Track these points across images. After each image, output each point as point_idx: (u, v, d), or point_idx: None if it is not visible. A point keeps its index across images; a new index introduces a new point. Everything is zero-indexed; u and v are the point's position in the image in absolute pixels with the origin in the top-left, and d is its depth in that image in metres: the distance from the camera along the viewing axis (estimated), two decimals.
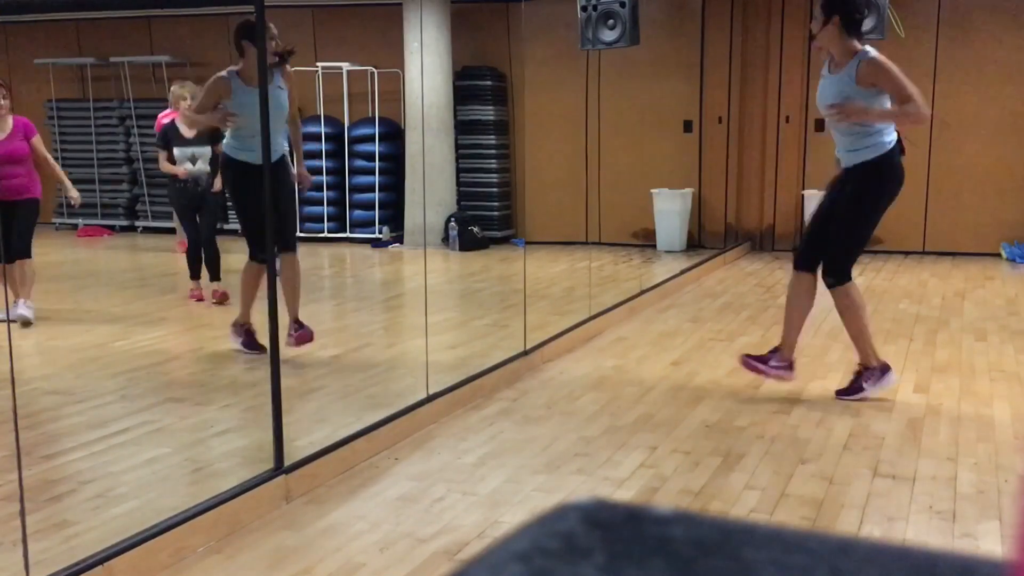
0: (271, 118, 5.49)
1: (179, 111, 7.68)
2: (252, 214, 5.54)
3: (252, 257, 5.78)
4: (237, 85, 5.59)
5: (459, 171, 11.51)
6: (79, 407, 4.83)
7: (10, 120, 6.80)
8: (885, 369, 4.89)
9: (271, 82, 5.66)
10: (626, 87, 10.84)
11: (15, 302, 6.75)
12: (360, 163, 11.60)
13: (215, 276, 7.62)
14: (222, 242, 7.78)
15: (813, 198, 10.24)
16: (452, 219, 10.99)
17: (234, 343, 5.91)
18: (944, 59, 10.22)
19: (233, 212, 6.89)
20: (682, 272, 8.79)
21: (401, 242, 11.25)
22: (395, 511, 3.55)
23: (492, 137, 11.49)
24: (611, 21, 7.28)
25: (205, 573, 3.09)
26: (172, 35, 12.82)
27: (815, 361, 5.75)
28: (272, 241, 4.06)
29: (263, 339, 5.41)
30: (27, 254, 6.82)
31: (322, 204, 11.56)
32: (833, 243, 4.80)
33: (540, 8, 10.75)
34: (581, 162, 11.20)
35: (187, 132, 7.61)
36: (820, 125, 10.55)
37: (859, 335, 4.86)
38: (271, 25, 5.44)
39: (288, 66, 5.79)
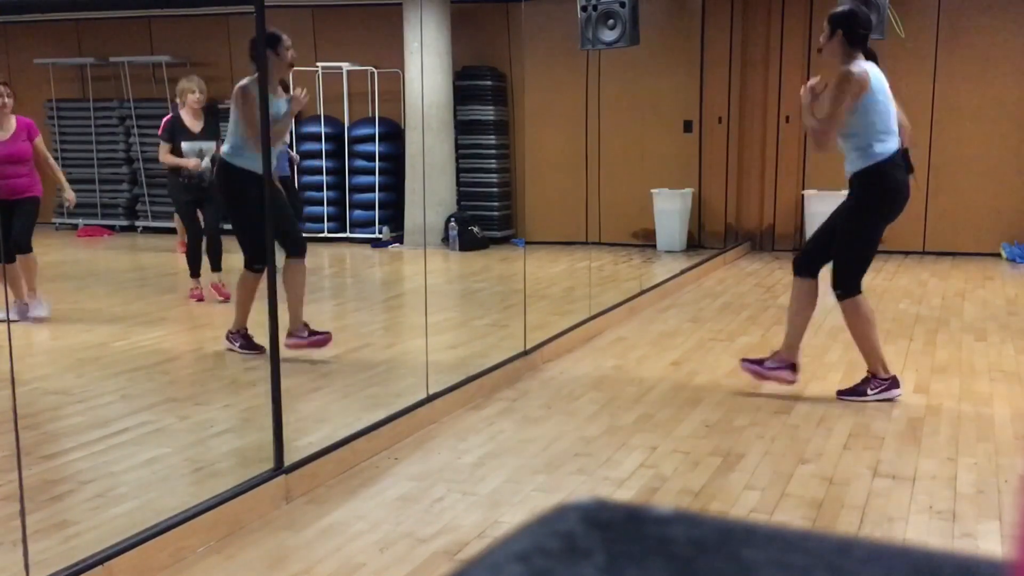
0: (278, 127, 5.59)
1: (187, 105, 7.70)
2: (252, 222, 5.42)
3: (249, 267, 5.72)
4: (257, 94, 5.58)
5: (459, 171, 11.51)
6: (79, 407, 4.83)
7: (13, 120, 6.81)
8: (893, 384, 4.89)
9: (280, 95, 5.70)
10: (626, 87, 10.84)
11: (17, 302, 6.78)
12: (360, 163, 11.60)
13: (216, 267, 7.65)
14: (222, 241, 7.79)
15: (813, 198, 10.26)
16: (452, 219, 10.99)
17: (234, 347, 5.90)
18: (944, 59, 10.22)
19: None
20: (682, 272, 8.79)
21: (401, 242, 11.25)
22: (395, 511, 3.55)
23: (492, 137, 11.49)
24: (611, 21, 7.28)
25: (205, 573, 3.09)
26: (172, 35, 12.82)
27: (815, 361, 5.75)
28: (272, 243, 4.05)
29: (261, 340, 5.43)
30: (28, 248, 6.87)
31: (322, 204, 11.56)
32: (836, 255, 4.84)
33: (540, 8, 10.75)
34: (581, 162, 11.20)
35: (194, 127, 7.64)
36: None
37: (869, 349, 4.87)
38: (285, 36, 5.57)
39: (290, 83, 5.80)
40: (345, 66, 11.49)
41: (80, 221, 12.64)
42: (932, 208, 10.30)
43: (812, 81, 4.82)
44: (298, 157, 7.18)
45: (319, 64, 11.47)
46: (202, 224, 7.78)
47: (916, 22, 9.88)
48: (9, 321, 4.93)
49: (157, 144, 12.45)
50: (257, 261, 5.58)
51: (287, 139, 8.22)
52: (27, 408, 4.71)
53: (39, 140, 6.94)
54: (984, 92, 10.12)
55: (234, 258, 6.59)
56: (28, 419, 4.56)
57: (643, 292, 7.76)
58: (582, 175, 11.12)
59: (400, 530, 3.37)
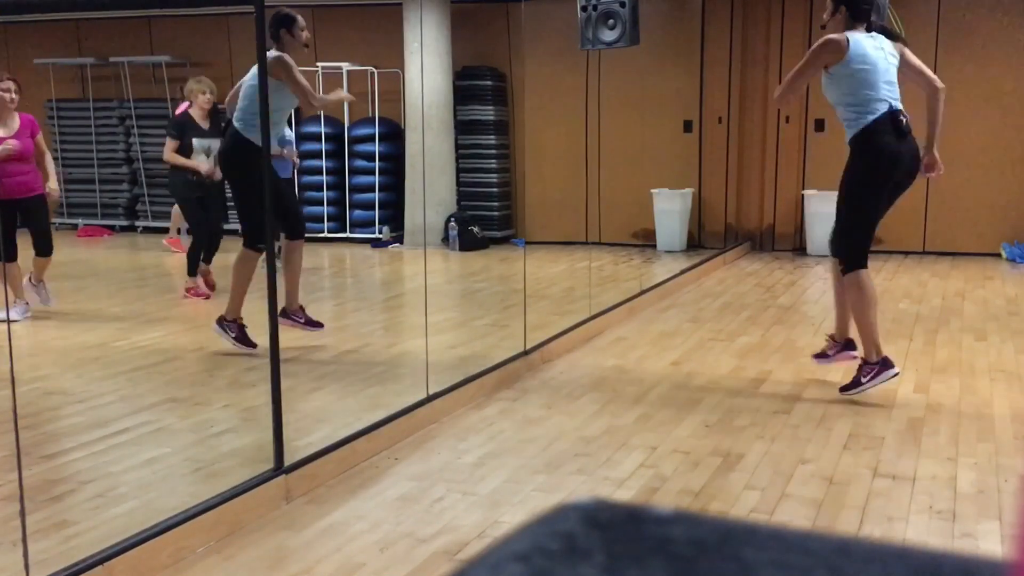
0: (281, 110, 5.66)
1: (197, 104, 7.76)
2: (258, 196, 5.47)
3: (251, 246, 5.69)
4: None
5: (459, 171, 11.51)
6: (79, 407, 4.83)
7: (17, 117, 6.83)
8: (886, 365, 4.87)
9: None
10: (626, 87, 10.83)
11: (17, 301, 6.79)
12: (360, 163, 11.60)
13: (209, 260, 7.74)
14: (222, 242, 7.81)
15: (813, 198, 10.25)
16: (452, 219, 10.99)
17: (224, 339, 5.84)
18: (944, 59, 10.22)
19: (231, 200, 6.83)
20: (682, 272, 8.79)
21: (401, 242, 11.25)
22: (395, 511, 3.55)
23: (492, 137, 11.49)
24: (611, 21, 7.28)
25: (205, 573, 3.09)
26: (172, 35, 12.82)
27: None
28: (271, 228, 4.05)
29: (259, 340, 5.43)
30: (51, 251, 7.02)
31: (322, 204, 11.56)
32: (836, 224, 4.88)
33: (540, 8, 10.75)
34: (581, 162, 11.20)
35: (204, 124, 7.72)
36: (820, 125, 10.56)
37: (864, 329, 4.85)
38: (299, 17, 5.77)
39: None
40: (345, 66, 11.49)
41: (80, 221, 12.64)
42: (932, 208, 10.31)
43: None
44: (298, 160, 7.34)
45: (319, 64, 11.47)
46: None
47: (916, 22, 9.87)
48: (9, 321, 4.94)
49: (157, 144, 12.56)
50: (259, 240, 5.56)
51: (290, 135, 8.25)
52: (27, 408, 4.71)
53: (40, 137, 6.97)
54: (984, 92, 10.12)
55: (228, 257, 6.55)
56: (28, 419, 4.56)
57: (643, 292, 7.76)
58: (582, 175, 11.12)
59: (400, 530, 3.37)
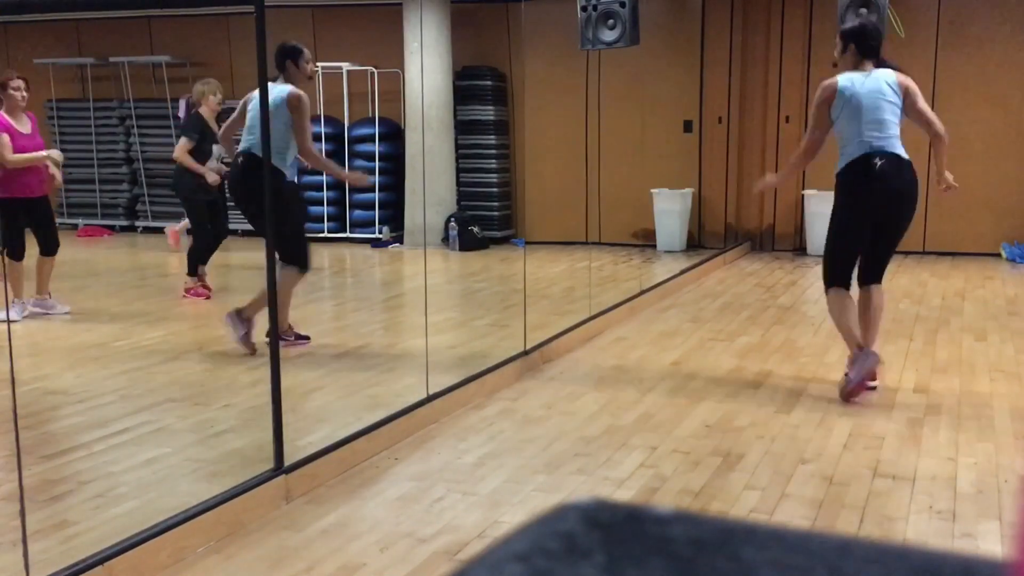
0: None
1: (208, 107, 7.71)
2: (291, 219, 5.72)
3: (294, 264, 5.83)
4: None
5: (459, 171, 11.51)
6: (79, 407, 4.83)
7: (26, 116, 6.86)
8: (861, 356, 4.92)
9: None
10: (626, 87, 10.84)
11: (22, 300, 6.82)
12: (360, 163, 11.59)
13: (206, 260, 7.78)
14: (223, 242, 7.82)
15: (813, 198, 10.25)
16: (452, 219, 10.99)
17: (233, 334, 5.82)
18: (944, 59, 10.23)
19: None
20: (682, 272, 8.79)
21: (401, 242, 11.25)
22: (395, 511, 3.55)
23: (492, 137, 11.49)
24: (611, 21, 7.28)
25: (205, 573, 3.09)
26: (172, 35, 12.82)
27: (815, 360, 5.76)
28: (271, 243, 4.06)
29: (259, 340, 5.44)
30: (57, 249, 7.12)
31: (322, 204, 11.56)
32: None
33: (540, 8, 10.75)
34: (581, 162, 11.21)
35: (215, 127, 7.60)
36: None
37: (843, 336, 5.12)
38: (306, 49, 5.94)
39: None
40: (345, 66, 11.49)
41: (80, 221, 12.64)
42: (932, 208, 10.30)
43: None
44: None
45: (319, 64, 11.45)
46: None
47: (916, 22, 9.87)
48: (9, 321, 4.94)
49: (158, 144, 12.58)
50: (303, 261, 5.83)
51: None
52: (27, 408, 4.71)
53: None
54: (984, 92, 10.13)
55: (232, 257, 6.58)
56: (28, 419, 4.56)
57: (643, 292, 7.76)
58: (582, 175, 11.12)
59: (400, 530, 3.37)
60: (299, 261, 5.88)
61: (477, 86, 11.42)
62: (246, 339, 5.81)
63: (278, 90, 5.65)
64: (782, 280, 8.95)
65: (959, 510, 3.51)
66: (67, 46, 13.20)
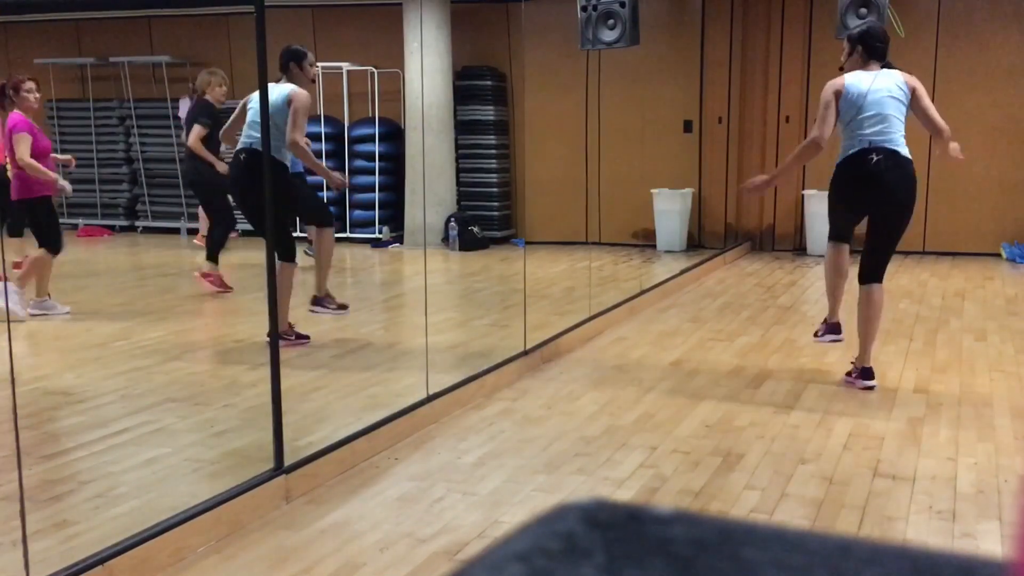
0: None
1: (212, 96, 7.76)
2: (281, 211, 5.83)
3: (286, 259, 5.93)
4: None
5: (459, 171, 11.51)
6: (79, 407, 4.83)
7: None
8: (831, 329, 5.49)
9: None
10: (626, 87, 10.84)
11: (32, 301, 6.85)
12: (360, 163, 11.60)
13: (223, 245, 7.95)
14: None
15: (813, 198, 10.25)
16: (452, 219, 10.99)
17: (328, 311, 6.48)
18: (944, 58, 10.23)
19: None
20: (682, 272, 8.79)
21: (401, 242, 11.25)
22: (395, 511, 3.55)
23: (492, 137, 11.49)
24: (611, 21, 7.28)
25: (205, 573, 3.09)
26: (172, 35, 12.82)
27: (815, 361, 5.75)
28: (271, 240, 4.06)
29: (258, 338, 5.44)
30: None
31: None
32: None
33: (540, 8, 10.75)
34: (581, 162, 11.21)
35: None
36: None
37: (827, 291, 5.42)
38: (309, 53, 6.12)
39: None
40: (345, 66, 11.49)
41: (80, 221, 12.63)
42: (932, 208, 10.30)
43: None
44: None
45: (319, 64, 11.45)
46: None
47: (916, 21, 9.88)
48: (9, 321, 4.93)
49: (157, 144, 12.58)
50: (287, 252, 5.96)
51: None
52: (27, 408, 4.71)
53: None
54: (984, 91, 10.13)
55: (234, 256, 6.59)
56: (28, 419, 4.56)
57: (643, 292, 7.76)
58: (582, 175, 11.12)
59: (400, 530, 3.37)
60: (288, 254, 5.98)
61: (477, 86, 11.42)
62: (338, 307, 6.52)
63: (280, 89, 5.75)
64: (782, 280, 8.95)
65: (959, 510, 3.51)
66: (67, 46, 13.20)
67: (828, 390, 5.09)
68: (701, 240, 11.12)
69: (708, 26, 10.94)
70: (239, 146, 5.99)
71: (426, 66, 10.68)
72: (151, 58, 12.63)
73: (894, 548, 0.54)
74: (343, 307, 6.84)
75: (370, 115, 11.64)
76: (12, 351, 3.58)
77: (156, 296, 8.24)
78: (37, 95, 6.81)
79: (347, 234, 11.61)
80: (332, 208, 11.63)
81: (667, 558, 0.52)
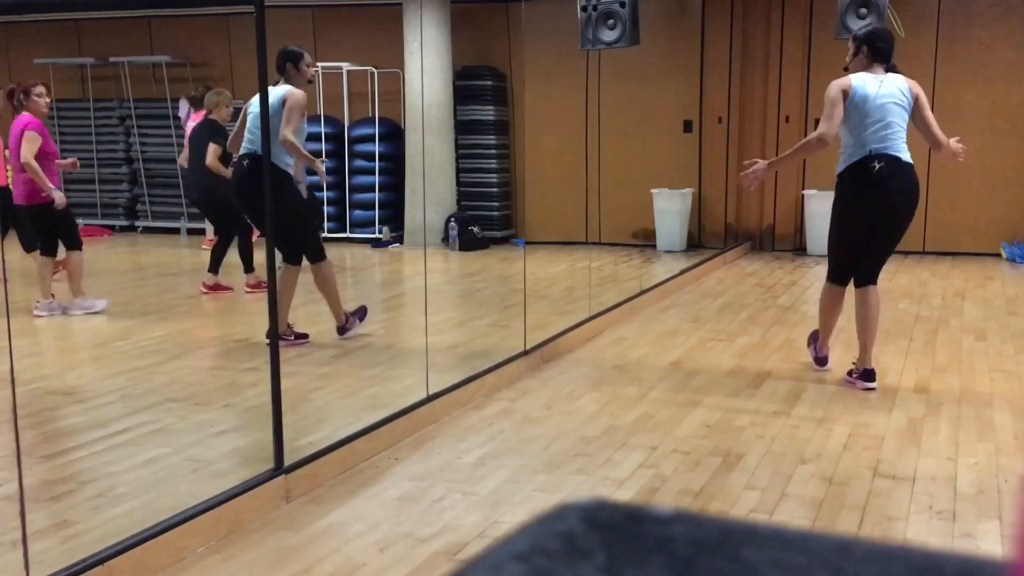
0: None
1: (219, 117, 7.86)
2: (290, 215, 5.85)
3: (292, 262, 6.00)
4: None
5: (459, 171, 11.51)
6: (79, 407, 4.83)
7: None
8: (819, 361, 5.52)
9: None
10: (626, 87, 10.83)
11: (52, 300, 6.88)
12: (360, 163, 11.60)
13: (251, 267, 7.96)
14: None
15: (813, 198, 10.26)
16: (452, 219, 10.99)
17: (355, 329, 6.28)
18: (944, 58, 10.23)
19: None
20: (682, 272, 8.79)
21: (401, 242, 11.25)
22: (395, 511, 3.55)
23: (492, 137, 11.49)
24: (611, 21, 7.28)
25: (205, 573, 3.09)
26: (172, 35, 12.82)
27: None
28: (272, 242, 4.06)
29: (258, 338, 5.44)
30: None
31: (322, 204, 11.56)
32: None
33: (540, 8, 10.75)
34: (581, 162, 11.20)
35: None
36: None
37: (820, 325, 5.45)
38: (307, 54, 6.09)
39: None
40: (345, 66, 11.49)
41: (80, 221, 12.59)
42: (932, 208, 10.30)
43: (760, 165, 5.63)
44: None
45: (319, 64, 11.46)
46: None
47: (916, 21, 9.88)
48: (9, 319, 4.93)
49: (157, 144, 12.58)
50: (295, 256, 6.03)
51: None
52: (27, 408, 4.71)
53: None
54: (984, 91, 10.13)
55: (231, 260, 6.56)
56: (28, 419, 4.56)
57: (643, 292, 7.76)
58: (582, 175, 11.12)
59: (400, 530, 3.37)
60: (315, 255, 6.14)
61: (477, 86, 11.42)
62: (357, 318, 6.34)
63: (277, 92, 5.74)
64: (782, 280, 8.95)
65: (959, 510, 3.51)
66: (67, 46, 13.20)
67: (828, 390, 5.09)
68: (701, 240, 11.12)
69: (708, 26, 10.94)
70: (240, 152, 5.98)
71: (426, 66, 10.68)
72: (151, 58, 12.64)
73: (894, 548, 0.54)
74: (301, 337, 6.21)
75: (370, 115, 11.65)
76: (12, 351, 3.58)
77: (156, 296, 8.24)
78: (47, 99, 6.83)
79: (347, 234, 11.62)
80: (332, 208, 11.67)
81: (667, 558, 0.52)
